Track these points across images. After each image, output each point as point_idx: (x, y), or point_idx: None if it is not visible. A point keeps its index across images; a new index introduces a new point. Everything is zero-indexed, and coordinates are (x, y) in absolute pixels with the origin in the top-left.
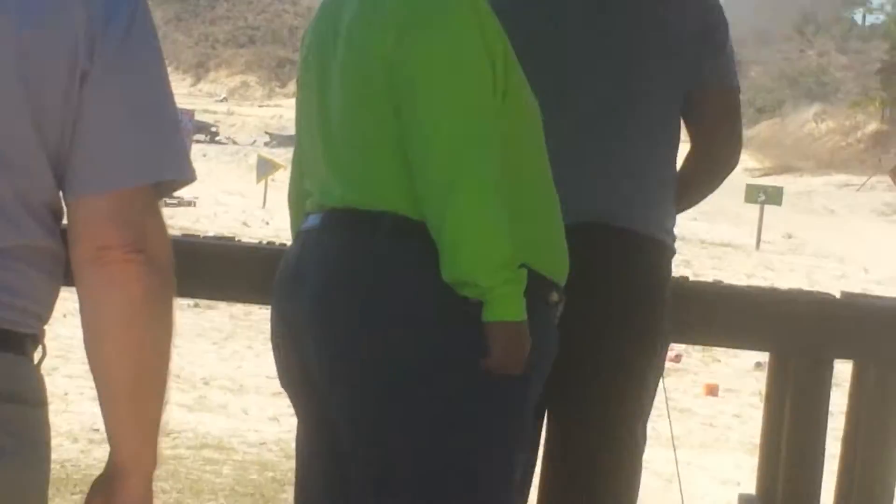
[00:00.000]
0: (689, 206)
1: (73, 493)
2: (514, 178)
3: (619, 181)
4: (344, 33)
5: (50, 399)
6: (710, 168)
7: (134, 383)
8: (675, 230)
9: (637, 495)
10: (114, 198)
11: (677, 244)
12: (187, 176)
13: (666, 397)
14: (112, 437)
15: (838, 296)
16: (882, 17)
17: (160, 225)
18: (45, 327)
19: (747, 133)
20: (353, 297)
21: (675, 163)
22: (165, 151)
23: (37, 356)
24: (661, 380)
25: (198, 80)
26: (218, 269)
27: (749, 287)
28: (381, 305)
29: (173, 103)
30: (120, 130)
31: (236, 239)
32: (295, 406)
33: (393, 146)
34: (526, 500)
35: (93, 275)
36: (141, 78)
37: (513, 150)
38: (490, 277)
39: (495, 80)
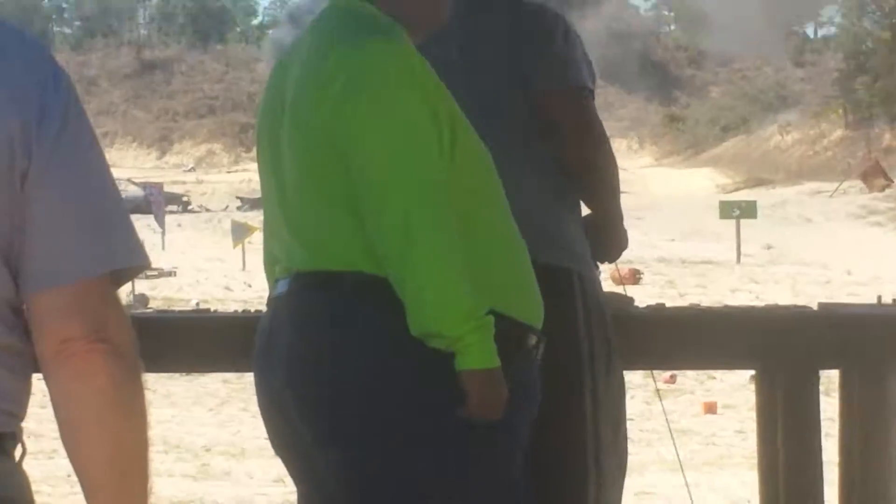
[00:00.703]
0: (600, 216)
1: None
2: (475, 229)
3: None
4: (289, 105)
5: (54, 482)
6: (566, 169)
7: (114, 472)
8: (656, 252)
9: None
10: (70, 291)
11: (659, 266)
12: (141, 262)
13: (667, 419)
14: None
15: (816, 307)
16: (833, 29)
17: (120, 313)
18: (42, 409)
19: (713, 152)
20: (322, 361)
21: (557, 184)
22: (116, 239)
23: (17, 454)
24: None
25: (163, 153)
26: (198, 341)
27: (725, 308)
28: (351, 366)
29: (117, 192)
30: (67, 225)
31: (213, 310)
32: (289, 471)
33: (347, 207)
34: None
35: (58, 368)
36: (81, 171)
37: (468, 198)
38: (456, 328)
39: (441, 139)
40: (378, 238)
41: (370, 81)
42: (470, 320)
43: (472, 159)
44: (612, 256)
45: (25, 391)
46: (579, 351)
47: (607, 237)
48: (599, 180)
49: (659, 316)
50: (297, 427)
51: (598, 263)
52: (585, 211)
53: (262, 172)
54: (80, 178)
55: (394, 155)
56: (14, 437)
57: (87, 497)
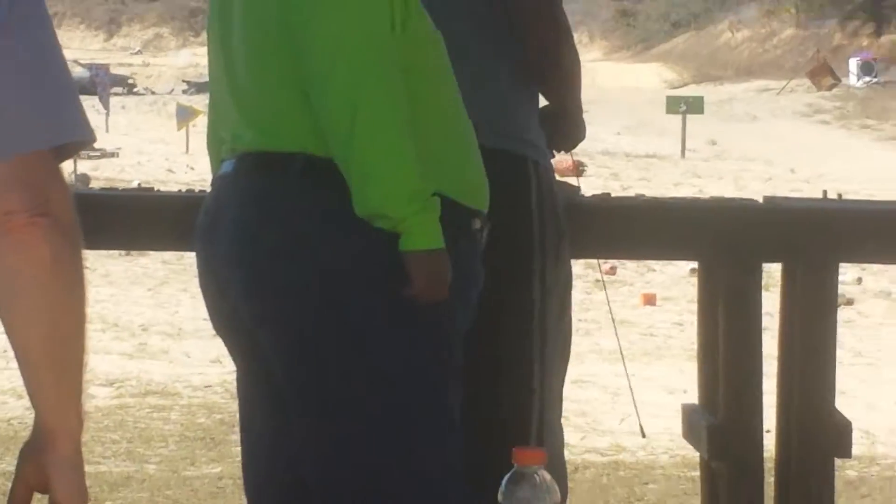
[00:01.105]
0: (558, 108)
1: None
2: (422, 109)
3: None
4: None
5: None
6: (526, 61)
7: (51, 347)
8: (600, 145)
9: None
10: (13, 165)
11: (603, 158)
12: (86, 137)
13: (611, 309)
14: (35, 403)
15: (761, 200)
16: None
17: (63, 188)
18: None
19: (663, 47)
20: (268, 238)
21: (516, 73)
22: (62, 115)
23: None
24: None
25: (111, 35)
26: (141, 219)
27: (671, 199)
28: (297, 243)
29: (66, 68)
30: (13, 97)
31: (157, 189)
32: (230, 350)
33: (297, 88)
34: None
35: None
36: (30, 45)
37: (419, 80)
38: (401, 209)
39: (393, 13)
40: (324, 116)
41: None
42: (415, 201)
43: (423, 39)
44: (569, 145)
45: None
46: (531, 238)
47: (564, 127)
48: (559, 73)
49: (603, 205)
50: (238, 305)
51: (554, 153)
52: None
53: (212, 51)
54: (28, 52)
55: (343, 30)
56: None
57: (22, 370)
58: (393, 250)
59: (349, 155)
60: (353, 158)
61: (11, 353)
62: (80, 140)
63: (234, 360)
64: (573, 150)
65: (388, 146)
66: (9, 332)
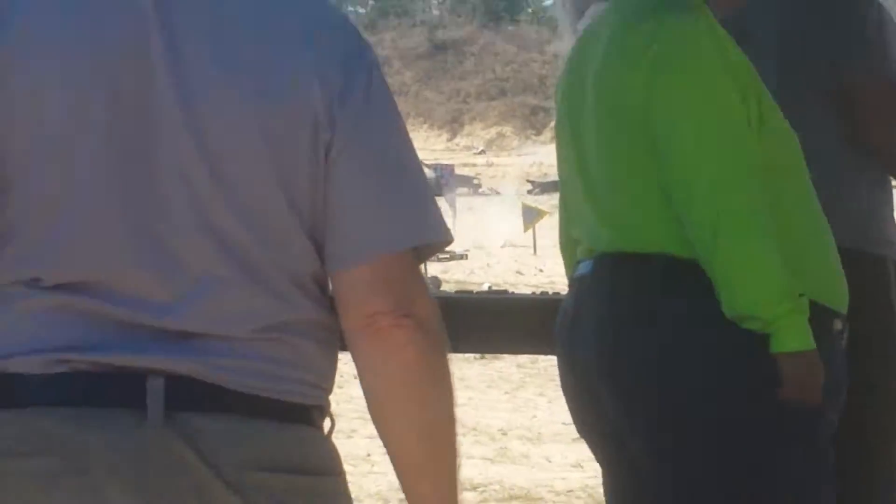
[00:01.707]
0: None
1: None
2: (780, 208)
3: None
4: (592, 82)
5: (354, 461)
6: (872, 155)
7: (425, 447)
8: None
9: None
10: (376, 266)
11: None
12: (444, 237)
13: None
14: None
15: None
16: None
17: (423, 288)
18: (340, 389)
19: None
20: (633, 340)
21: (863, 165)
22: (420, 215)
23: (326, 426)
24: None
25: (454, 134)
26: (497, 322)
27: None
28: (663, 346)
29: (420, 166)
30: (372, 199)
31: (510, 291)
32: (595, 453)
33: (653, 187)
34: None
35: (365, 343)
36: (385, 145)
37: (776, 179)
38: (771, 310)
39: (749, 113)
40: (688, 219)
41: (681, 58)
42: (786, 301)
43: (780, 138)
44: None
45: (332, 365)
46: (894, 345)
47: None
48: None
49: None
50: (606, 409)
51: None
52: None
53: (562, 150)
54: (383, 153)
55: (704, 133)
56: (322, 409)
57: (398, 472)
58: (763, 352)
59: (714, 257)
60: (719, 261)
61: (374, 458)
62: (439, 241)
63: (601, 464)
64: None
65: (755, 247)
66: (382, 435)
